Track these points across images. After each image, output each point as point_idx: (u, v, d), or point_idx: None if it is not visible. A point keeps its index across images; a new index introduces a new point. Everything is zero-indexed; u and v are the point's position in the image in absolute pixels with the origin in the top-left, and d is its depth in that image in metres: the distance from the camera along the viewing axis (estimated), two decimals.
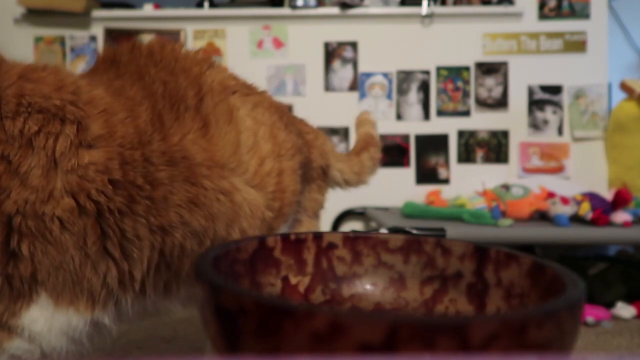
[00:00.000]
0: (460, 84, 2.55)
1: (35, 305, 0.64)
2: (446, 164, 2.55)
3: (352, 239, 0.54)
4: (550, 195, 2.10)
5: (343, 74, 2.56)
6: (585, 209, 1.97)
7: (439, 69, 2.56)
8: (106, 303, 0.69)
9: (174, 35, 2.54)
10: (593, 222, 1.95)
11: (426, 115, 2.56)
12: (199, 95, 0.82)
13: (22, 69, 0.68)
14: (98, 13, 2.51)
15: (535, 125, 2.55)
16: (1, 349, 0.63)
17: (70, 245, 0.64)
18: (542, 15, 2.54)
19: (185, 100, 0.80)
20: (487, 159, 2.55)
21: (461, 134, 2.55)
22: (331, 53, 2.56)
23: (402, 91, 2.56)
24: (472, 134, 2.55)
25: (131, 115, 0.72)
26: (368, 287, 0.54)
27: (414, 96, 2.56)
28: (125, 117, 0.71)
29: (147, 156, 0.71)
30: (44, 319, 0.65)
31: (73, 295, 0.66)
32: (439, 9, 2.51)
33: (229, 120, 0.83)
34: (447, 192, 2.48)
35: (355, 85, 2.56)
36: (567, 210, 1.97)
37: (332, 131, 2.51)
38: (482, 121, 2.55)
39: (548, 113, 2.55)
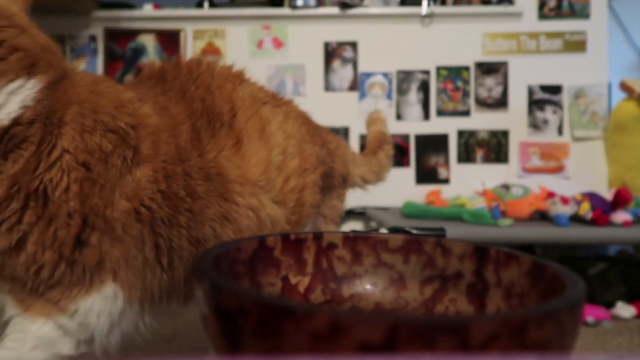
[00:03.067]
0: (460, 83, 2.55)
1: (97, 295, 0.68)
2: (446, 163, 2.55)
3: (352, 239, 0.54)
4: (550, 195, 2.10)
5: (343, 74, 2.56)
6: (585, 209, 1.97)
7: (438, 68, 2.56)
8: (154, 305, 0.75)
9: (174, 35, 2.54)
10: (593, 222, 1.95)
11: (426, 115, 2.56)
12: (233, 111, 0.86)
13: (89, 82, 0.74)
14: (98, 13, 2.51)
15: (535, 125, 2.55)
16: (49, 317, 0.67)
17: (132, 246, 0.70)
18: (542, 15, 2.54)
19: (221, 117, 0.84)
20: (487, 159, 2.55)
21: (461, 133, 2.55)
22: (331, 53, 2.56)
23: (402, 91, 2.56)
24: (472, 133, 2.55)
25: (174, 134, 0.78)
26: (368, 287, 0.54)
27: (413, 96, 2.56)
28: (168, 136, 0.77)
29: (187, 171, 0.76)
30: (104, 310, 0.69)
31: (141, 291, 0.72)
32: (438, 9, 2.51)
33: (261, 136, 0.87)
34: (447, 192, 2.48)
35: (355, 85, 2.56)
36: (567, 210, 1.97)
37: (332, 131, 2.51)
38: (482, 121, 2.55)
39: (548, 113, 2.55)
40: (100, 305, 0.69)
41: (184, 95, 0.84)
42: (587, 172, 2.51)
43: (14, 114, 0.65)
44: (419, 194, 2.49)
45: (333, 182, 1.05)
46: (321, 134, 1.05)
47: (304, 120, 1.00)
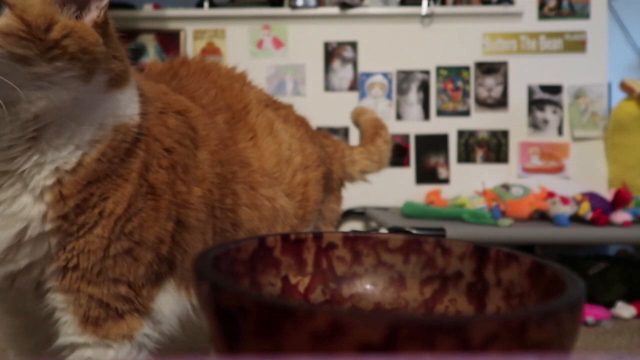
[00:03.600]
0: (460, 83, 2.55)
1: (161, 290, 0.68)
2: (446, 163, 2.55)
3: (352, 239, 0.54)
4: (550, 195, 2.10)
5: (343, 74, 2.56)
6: (585, 209, 1.97)
7: (438, 68, 2.56)
8: None
9: (174, 35, 2.54)
10: (593, 222, 1.95)
11: (426, 115, 2.56)
12: (246, 108, 0.88)
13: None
14: None
15: (535, 125, 2.55)
16: (131, 338, 0.64)
17: (198, 232, 0.70)
18: (542, 15, 2.55)
19: (238, 112, 0.86)
20: (487, 159, 2.55)
21: (461, 133, 2.55)
22: (331, 53, 2.56)
23: (402, 91, 2.56)
24: (472, 133, 2.55)
25: (213, 121, 0.79)
26: (368, 287, 0.54)
27: (413, 96, 2.56)
28: (210, 122, 0.78)
29: (231, 156, 0.78)
30: (170, 302, 0.68)
31: (189, 279, 0.71)
32: (438, 9, 2.51)
33: (270, 132, 0.89)
34: (447, 192, 2.48)
35: (355, 85, 2.56)
36: (567, 210, 1.97)
37: (332, 131, 2.51)
38: (482, 121, 2.55)
39: (548, 113, 2.55)
40: (165, 297, 0.68)
41: (207, 92, 0.86)
42: (587, 172, 2.51)
43: (138, 110, 0.65)
44: (419, 194, 2.49)
45: (332, 184, 1.07)
46: (319, 138, 1.08)
47: (302, 123, 1.03)
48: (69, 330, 0.63)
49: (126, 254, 0.62)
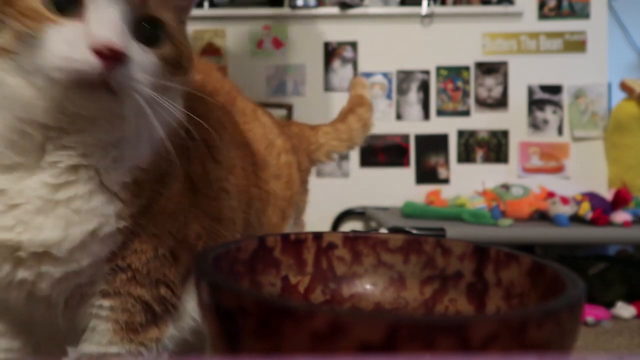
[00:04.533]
0: (460, 83, 2.55)
1: (188, 285, 0.65)
2: (446, 163, 2.55)
3: (352, 239, 0.54)
4: (550, 195, 2.10)
5: (343, 74, 2.56)
6: (585, 209, 1.97)
7: (438, 68, 2.56)
8: None
9: None
10: (593, 222, 1.95)
11: (426, 115, 2.56)
12: (232, 94, 0.87)
13: None
14: None
15: (535, 125, 2.55)
16: (159, 341, 0.62)
17: (230, 222, 0.68)
18: (542, 15, 2.55)
19: (230, 97, 0.85)
20: (487, 159, 2.55)
21: (461, 133, 2.55)
22: (331, 53, 2.56)
23: (402, 91, 2.56)
24: (472, 133, 2.55)
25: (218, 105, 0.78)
26: (368, 287, 0.54)
27: (413, 96, 2.56)
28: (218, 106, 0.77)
29: (241, 139, 0.77)
30: (193, 297, 0.64)
31: None
32: (438, 9, 2.51)
33: (255, 116, 0.90)
34: (447, 192, 2.48)
35: None
36: (567, 210, 1.97)
37: None
38: (481, 121, 2.55)
39: (548, 113, 2.55)
40: (189, 294, 0.65)
41: (193, 77, 0.83)
42: (587, 172, 2.51)
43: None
44: (419, 194, 2.49)
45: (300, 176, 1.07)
46: (284, 128, 1.06)
47: (269, 114, 1.03)
48: (103, 340, 0.59)
49: (170, 253, 0.60)
